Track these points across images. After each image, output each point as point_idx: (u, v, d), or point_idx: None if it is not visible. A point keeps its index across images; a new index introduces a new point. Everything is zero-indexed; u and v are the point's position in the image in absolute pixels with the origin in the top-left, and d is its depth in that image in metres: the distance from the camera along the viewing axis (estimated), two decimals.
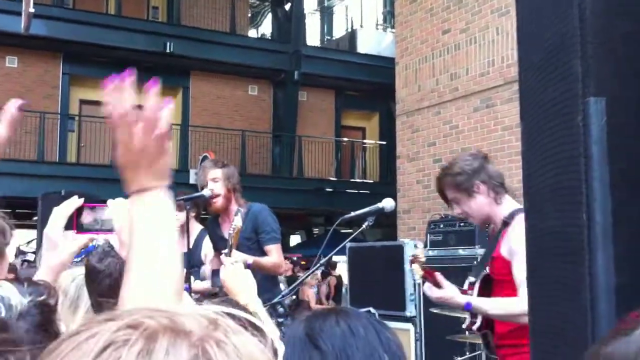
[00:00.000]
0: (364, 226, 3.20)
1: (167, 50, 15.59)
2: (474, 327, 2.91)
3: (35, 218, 7.11)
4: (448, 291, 2.83)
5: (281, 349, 0.64)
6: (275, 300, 3.46)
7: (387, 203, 3.21)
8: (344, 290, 12.33)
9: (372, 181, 18.17)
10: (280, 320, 4.11)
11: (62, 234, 1.57)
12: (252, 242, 4.23)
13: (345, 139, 18.99)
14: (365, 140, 19.76)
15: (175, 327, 0.55)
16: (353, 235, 3.63)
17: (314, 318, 1.21)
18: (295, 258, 16.18)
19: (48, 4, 14.80)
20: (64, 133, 15.59)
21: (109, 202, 1.45)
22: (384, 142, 18.18)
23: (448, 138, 10.29)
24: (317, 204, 16.64)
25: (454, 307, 2.96)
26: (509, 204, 2.98)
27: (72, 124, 15.82)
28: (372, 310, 4.92)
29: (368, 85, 18.05)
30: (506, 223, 2.87)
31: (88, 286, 1.77)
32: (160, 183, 1.16)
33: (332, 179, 17.61)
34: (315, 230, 21.24)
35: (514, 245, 2.73)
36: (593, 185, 1.37)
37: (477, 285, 2.96)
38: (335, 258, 13.92)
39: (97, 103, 16.63)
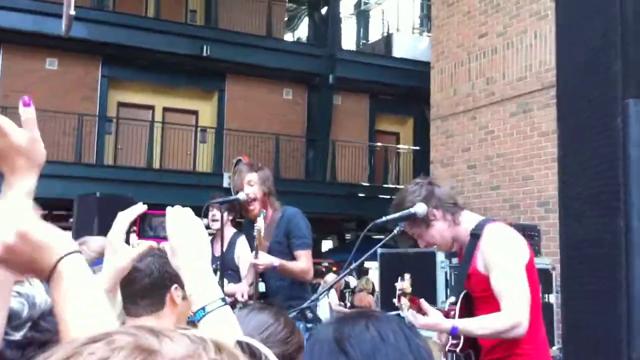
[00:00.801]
0: (395, 231, 3.15)
1: (204, 54, 15.71)
2: (457, 349, 2.83)
3: (71, 220, 7.20)
4: (433, 318, 2.75)
5: None
6: (305, 305, 3.44)
7: (419, 208, 3.15)
8: (376, 297, 12.26)
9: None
10: (309, 325, 4.10)
11: (124, 240, 1.57)
12: (283, 246, 4.21)
13: (379, 143, 18.91)
14: (399, 145, 19.65)
15: (142, 344, 0.53)
16: (383, 241, 3.59)
17: (343, 322, 1.18)
18: (327, 263, 16.16)
19: (88, 6, 15.04)
20: (102, 135, 15.82)
21: (168, 209, 1.45)
22: (418, 148, 18.06)
23: (483, 143, 10.18)
24: (350, 209, 16.59)
25: (441, 332, 2.86)
26: (470, 219, 2.90)
27: (109, 126, 16.04)
28: (402, 314, 4.85)
29: (403, 89, 17.96)
30: (476, 236, 2.79)
31: (123, 287, 1.76)
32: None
33: (364, 184, 17.54)
34: (348, 236, 21.17)
35: (489, 259, 2.67)
36: (631, 190, 1.33)
37: (458, 306, 2.89)
38: (367, 264, 13.86)
39: (135, 106, 16.89)
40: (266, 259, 4.01)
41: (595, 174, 1.50)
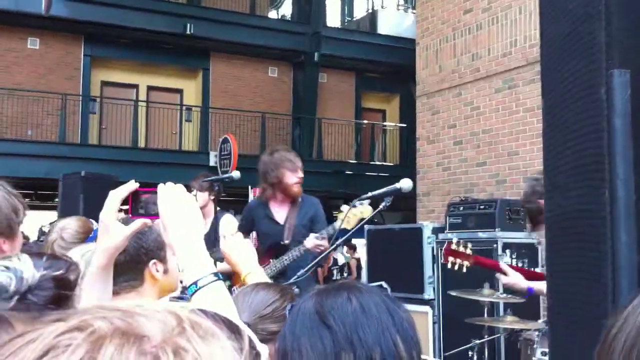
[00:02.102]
0: (380, 207, 3.15)
1: (187, 32, 15.57)
2: None
3: (57, 199, 7.16)
4: (512, 278, 3.20)
5: (264, 352, 0.57)
6: (291, 280, 3.45)
7: (404, 183, 3.16)
8: (362, 273, 12.33)
9: (392, 164, 18.09)
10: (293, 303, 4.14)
11: (116, 218, 1.57)
12: (306, 229, 4.31)
13: (365, 121, 18.90)
14: (385, 123, 19.65)
15: (128, 330, 0.48)
16: (370, 216, 3.60)
17: (325, 294, 1.17)
18: None
19: None
20: (86, 115, 15.68)
21: (159, 186, 1.46)
22: (404, 125, 18.06)
23: (469, 120, 10.19)
24: (337, 187, 16.60)
25: (518, 291, 3.38)
26: None
27: (93, 105, 15.90)
28: (384, 285, 4.93)
29: (388, 66, 17.92)
30: None
31: None
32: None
33: (351, 161, 17.55)
34: (335, 213, 21.19)
35: None
36: (616, 161, 1.32)
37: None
38: (354, 240, 13.91)
39: (118, 85, 16.74)
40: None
41: (579, 145, 1.50)
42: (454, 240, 3.87)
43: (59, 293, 1.22)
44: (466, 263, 3.81)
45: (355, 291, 1.17)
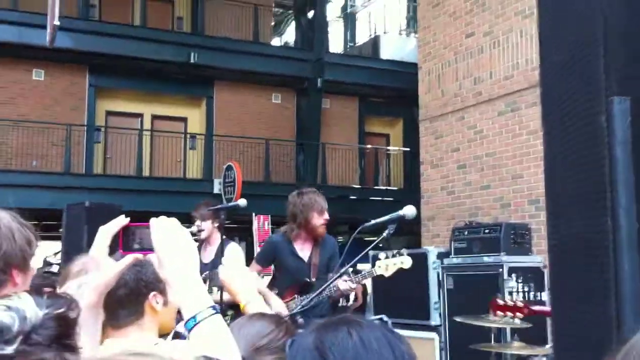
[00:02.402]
0: (384, 234, 3.14)
1: (191, 61, 15.68)
2: None
3: (61, 230, 7.16)
4: None
5: None
6: (295, 311, 3.46)
7: (408, 210, 3.16)
8: (368, 298, 12.24)
9: (396, 188, 18.06)
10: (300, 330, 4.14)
11: (107, 254, 1.56)
12: (326, 267, 4.57)
13: (369, 145, 18.92)
14: (389, 147, 19.66)
15: None
16: (374, 244, 3.58)
17: (324, 329, 1.16)
18: None
19: (73, 16, 14.98)
20: (90, 144, 15.74)
21: (152, 220, 1.45)
22: (408, 149, 18.08)
23: (472, 143, 10.19)
24: (341, 212, 16.55)
25: None
26: None
27: (98, 135, 15.97)
28: (385, 318, 4.93)
29: (392, 91, 17.97)
30: None
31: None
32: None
33: (355, 186, 17.53)
34: (340, 239, 21.13)
35: None
36: (618, 189, 1.31)
37: None
38: (360, 266, 13.85)
39: (123, 114, 16.83)
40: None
41: (581, 173, 1.49)
42: (499, 295, 3.78)
43: (61, 331, 1.20)
44: (519, 315, 3.65)
45: (355, 326, 1.15)
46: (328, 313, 4.31)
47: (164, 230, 1.42)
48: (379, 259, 3.98)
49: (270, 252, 4.72)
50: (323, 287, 3.74)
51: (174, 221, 1.45)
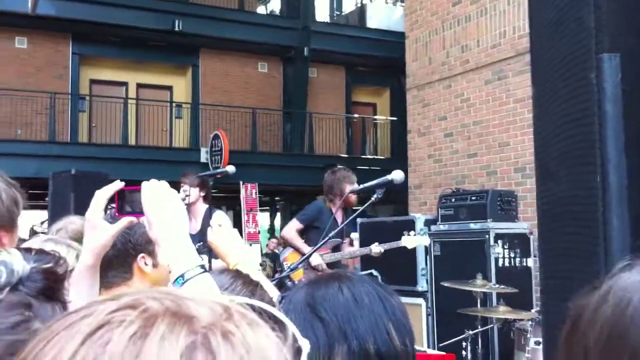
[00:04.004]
0: (372, 199, 3.15)
1: (176, 29, 15.49)
2: None
3: (47, 199, 7.12)
4: None
5: (306, 347, 0.58)
6: (284, 274, 3.49)
7: (396, 175, 3.16)
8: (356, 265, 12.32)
9: (383, 157, 18.09)
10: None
11: (102, 217, 1.58)
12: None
13: (356, 115, 18.88)
14: (376, 116, 19.64)
15: (178, 311, 0.50)
16: (362, 209, 3.59)
17: (315, 285, 1.16)
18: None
19: None
20: (75, 113, 15.59)
21: (143, 184, 1.47)
22: (395, 118, 18.07)
23: (459, 111, 10.19)
24: None
25: None
26: None
27: (83, 104, 15.82)
28: (375, 273, 5.29)
29: (378, 60, 17.90)
30: None
31: None
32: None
33: (343, 155, 17.53)
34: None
35: None
36: (607, 146, 1.31)
37: None
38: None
39: (107, 83, 16.65)
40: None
41: (569, 130, 1.49)
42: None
43: (48, 285, 1.23)
44: None
45: (346, 281, 1.16)
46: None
47: (154, 192, 1.43)
48: (403, 235, 5.10)
49: (314, 214, 5.43)
50: (305, 257, 3.92)
51: (163, 183, 1.47)
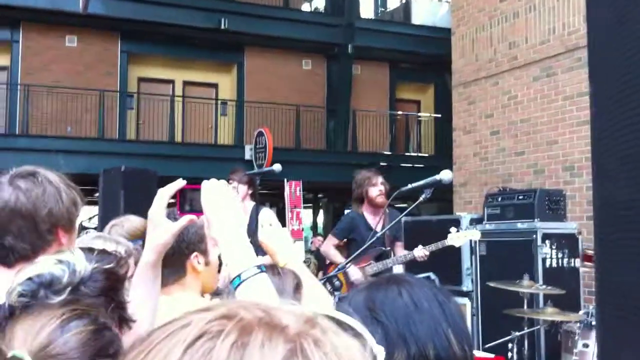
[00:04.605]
0: (420, 199, 3.12)
1: (222, 27, 15.64)
2: None
3: (97, 194, 7.26)
4: None
5: (381, 354, 0.60)
6: (332, 274, 3.51)
7: (445, 175, 3.13)
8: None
9: (427, 155, 17.96)
10: (336, 293, 4.37)
11: (165, 215, 1.60)
12: (393, 237, 5.28)
13: (400, 112, 18.78)
14: (420, 113, 19.50)
15: (271, 321, 0.53)
16: (409, 209, 3.58)
17: (375, 289, 1.16)
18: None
19: None
20: (123, 111, 15.88)
21: (203, 183, 1.49)
22: (439, 115, 17.91)
23: (506, 109, 10.05)
24: None
25: None
26: None
27: (131, 101, 16.09)
28: (432, 276, 5.12)
29: (423, 57, 17.77)
30: None
31: None
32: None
33: (386, 152, 17.47)
34: None
35: None
36: None
37: None
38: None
39: (155, 80, 16.91)
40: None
41: (630, 133, 1.46)
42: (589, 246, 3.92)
43: (109, 285, 1.25)
44: None
45: (405, 285, 1.15)
46: None
47: (213, 192, 1.45)
48: (450, 232, 4.74)
49: (348, 226, 5.27)
50: (352, 257, 3.88)
51: (222, 183, 1.49)
